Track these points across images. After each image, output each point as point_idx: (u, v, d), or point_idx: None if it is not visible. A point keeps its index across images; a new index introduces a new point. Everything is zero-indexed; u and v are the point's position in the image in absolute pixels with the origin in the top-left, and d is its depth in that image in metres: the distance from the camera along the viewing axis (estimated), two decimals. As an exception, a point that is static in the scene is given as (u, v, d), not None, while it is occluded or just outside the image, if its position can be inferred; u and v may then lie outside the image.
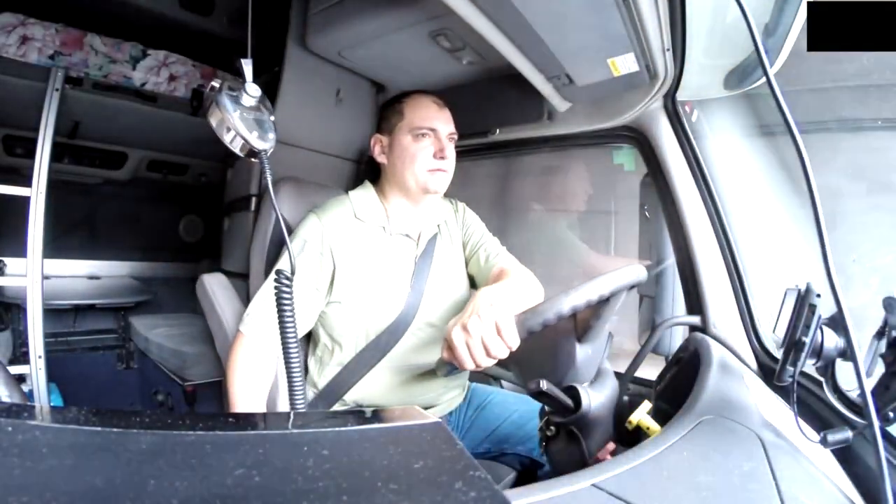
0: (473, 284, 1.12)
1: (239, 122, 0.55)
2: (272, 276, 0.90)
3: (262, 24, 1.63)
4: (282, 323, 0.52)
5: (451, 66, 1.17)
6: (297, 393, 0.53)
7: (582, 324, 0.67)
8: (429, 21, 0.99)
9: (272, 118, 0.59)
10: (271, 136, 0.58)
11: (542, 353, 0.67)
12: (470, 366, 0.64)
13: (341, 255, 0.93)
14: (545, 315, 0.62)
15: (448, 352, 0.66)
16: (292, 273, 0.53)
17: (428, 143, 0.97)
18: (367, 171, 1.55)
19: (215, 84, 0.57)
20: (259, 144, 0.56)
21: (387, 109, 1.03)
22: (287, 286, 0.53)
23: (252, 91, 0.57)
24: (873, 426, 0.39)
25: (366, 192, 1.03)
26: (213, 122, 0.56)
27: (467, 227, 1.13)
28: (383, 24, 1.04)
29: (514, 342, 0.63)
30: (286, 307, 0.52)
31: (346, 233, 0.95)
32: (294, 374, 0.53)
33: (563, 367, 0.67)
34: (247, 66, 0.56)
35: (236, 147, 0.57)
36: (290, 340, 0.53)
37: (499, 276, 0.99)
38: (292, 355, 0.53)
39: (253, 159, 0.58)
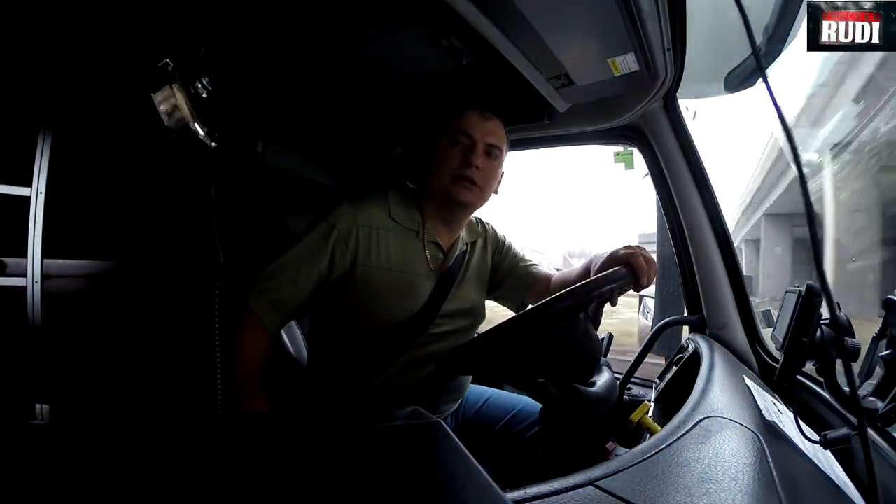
0: (501, 295, 1.14)
1: (189, 110, 0.51)
2: (289, 257, 0.87)
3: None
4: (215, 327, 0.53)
5: (451, 66, 1.17)
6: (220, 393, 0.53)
7: (594, 310, 0.69)
8: (429, 21, 0.99)
9: (215, 117, 0.56)
10: (216, 135, 0.55)
11: (570, 343, 0.68)
12: (649, 282, 0.75)
13: (367, 250, 0.90)
14: None
15: (638, 267, 0.74)
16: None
17: (460, 148, 0.93)
18: (365, 170, 1.55)
19: (169, 63, 0.52)
20: (206, 139, 0.53)
21: (437, 118, 1.00)
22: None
23: (206, 83, 0.53)
24: (864, 426, 0.39)
25: (404, 194, 1.00)
26: (161, 104, 0.51)
27: (499, 242, 1.13)
28: (383, 24, 1.04)
29: None
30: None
31: (377, 229, 0.92)
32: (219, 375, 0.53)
33: (596, 351, 0.69)
34: (202, 55, 0.53)
35: (179, 133, 0.53)
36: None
37: (558, 277, 1.05)
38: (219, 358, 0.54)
39: (196, 154, 0.54)
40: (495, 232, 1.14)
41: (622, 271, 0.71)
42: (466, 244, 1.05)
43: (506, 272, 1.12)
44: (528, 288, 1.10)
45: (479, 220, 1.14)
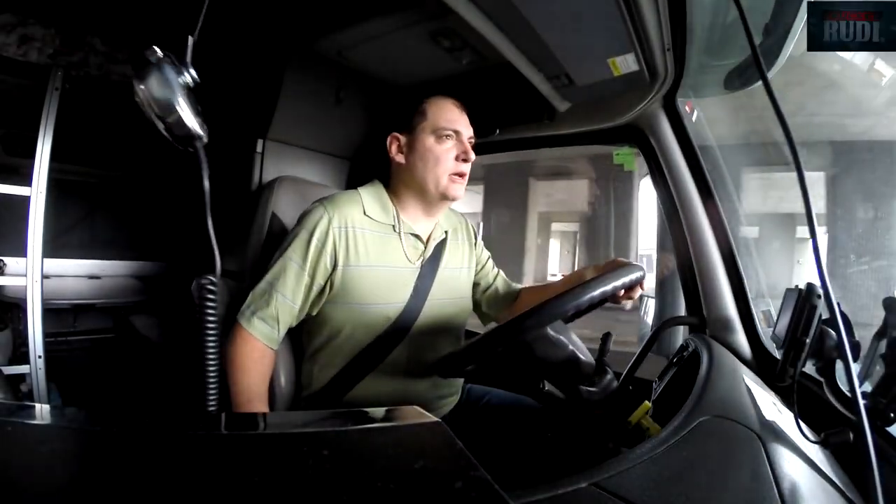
0: (480, 303, 1.14)
1: (182, 100, 0.50)
2: (276, 272, 0.89)
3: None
4: (205, 328, 0.55)
5: (451, 66, 1.17)
6: (211, 395, 0.57)
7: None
8: (429, 21, 0.99)
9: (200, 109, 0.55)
10: (205, 126, 0.54)
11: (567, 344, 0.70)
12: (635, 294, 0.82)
13: (345, 250, 0.91)
14: None
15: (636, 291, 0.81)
16: (216, 277, 0.57)
17: (451, 145, 0.94)
18: (364, 170, 1.55)
19: (158, 53, 0.50)
20: (199, 130, 0.53)
21: (406, 108, 0.99)
22: (213, 295, 0.57)
23: (193, 74, 0.52)
24: (864, 426, 0.39)
25: (377, 189, 1.00)
26: (150, 93, 0.49)
27: (477, 244, 1.15)
28: (383, 24, 1.04)
29: None
30: (210, 314, 0.56)
31: (353, 228, 0.93)
32: (210, 377, 0.56)
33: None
34: (190, 44, 0.51)
35: (171, 127, 0.52)
36: (210, 345, 0.57)
37: (538, 290, 1.10)
38: (210, 358, 0.57)
39: (189, 148, 0.54)
40: (472, 227, 1.16)
41: (639, 266, 0.76)
42: (446, 231, 1.06)
43: (484, 278, 1.14)
44: (510, 301, 1.13)
45: (459, 213, 1.15)
